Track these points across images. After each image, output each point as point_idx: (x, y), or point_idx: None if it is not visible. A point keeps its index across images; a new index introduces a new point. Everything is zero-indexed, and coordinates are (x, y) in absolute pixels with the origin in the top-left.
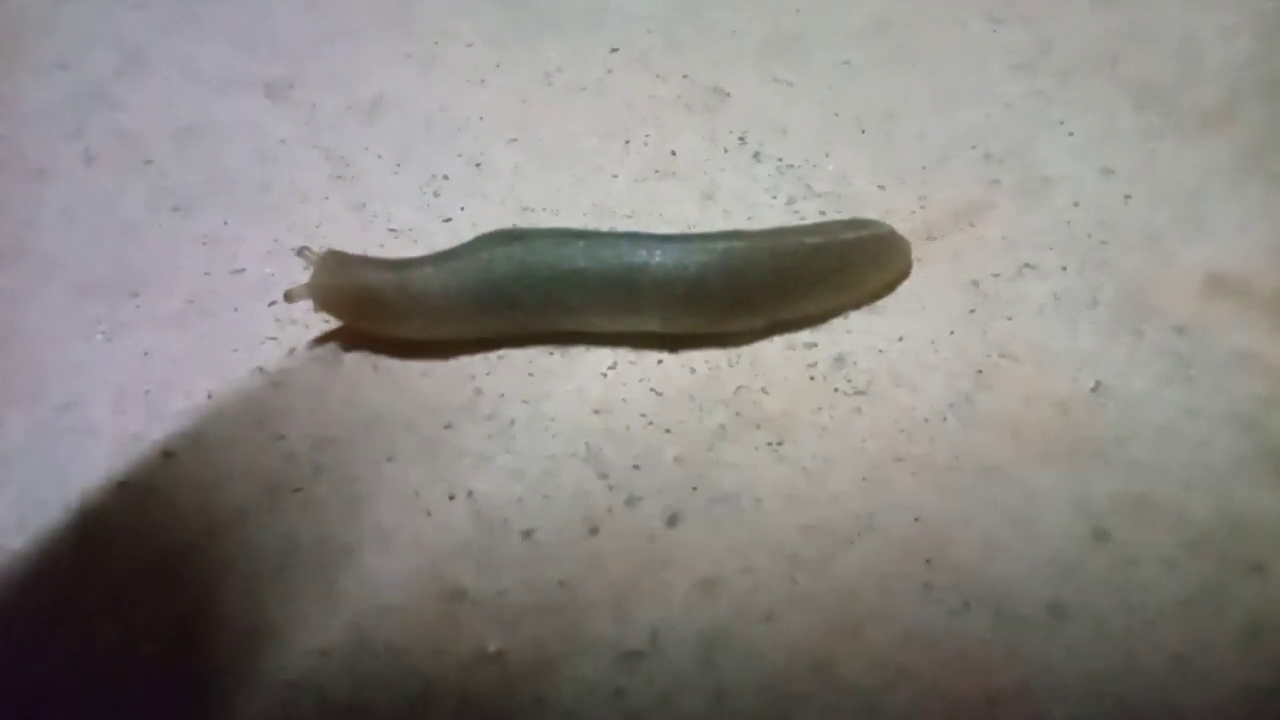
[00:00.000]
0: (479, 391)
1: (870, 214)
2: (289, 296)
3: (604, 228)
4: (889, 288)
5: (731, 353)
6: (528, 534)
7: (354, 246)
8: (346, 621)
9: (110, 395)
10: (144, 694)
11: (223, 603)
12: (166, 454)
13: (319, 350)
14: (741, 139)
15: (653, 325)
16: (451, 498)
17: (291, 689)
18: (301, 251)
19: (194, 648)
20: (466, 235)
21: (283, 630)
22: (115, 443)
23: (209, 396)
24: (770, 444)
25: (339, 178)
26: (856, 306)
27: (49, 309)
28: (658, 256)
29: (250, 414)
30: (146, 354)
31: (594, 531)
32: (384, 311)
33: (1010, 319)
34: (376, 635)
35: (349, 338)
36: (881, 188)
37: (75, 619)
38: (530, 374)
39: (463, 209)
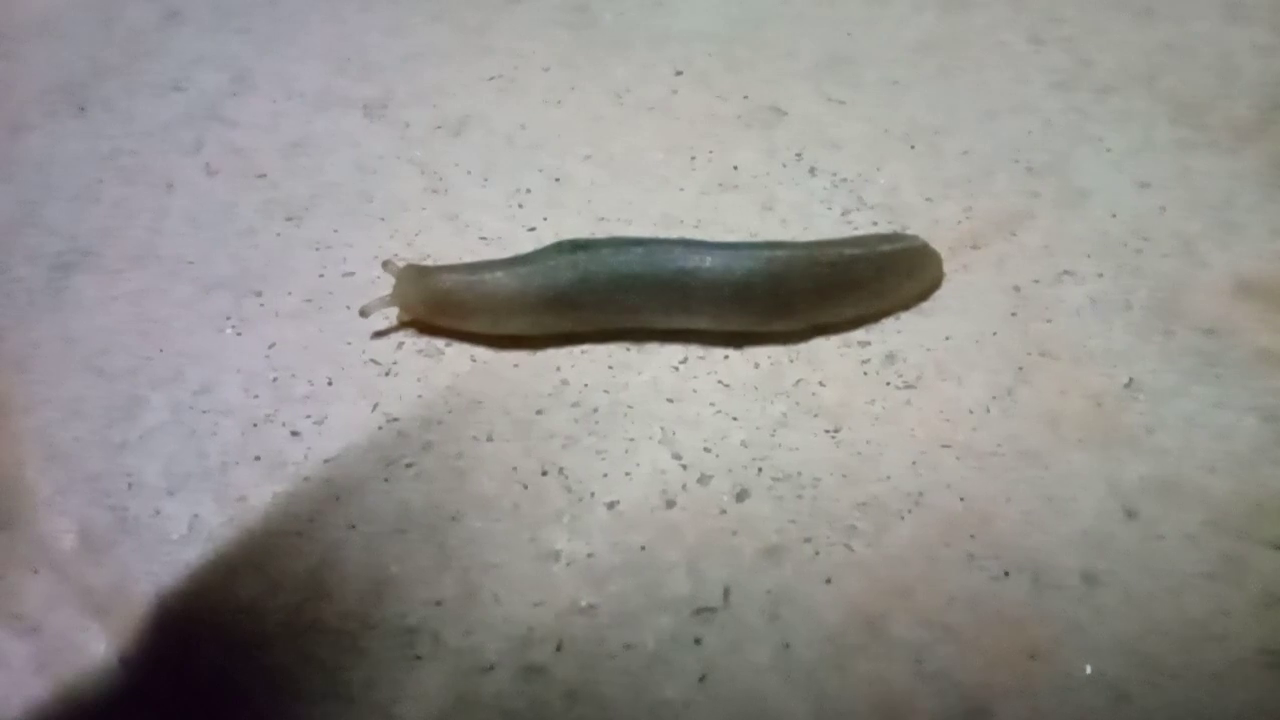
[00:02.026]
0: (565, 382)
1: (918, 224)
2: (364, 312)
3: (672, 235)
4: (922, 296)
5: (791, 350)
6: (612, 505)
7: (450, 253)
8: (456, 576)
9: (241, 381)
10: (283, 634)
11: (349, 559)
12: (293, 433)
13: (422, 343)
14: (798, 154)
15: (703, 323)
16: (544, 473)
17: (411, 633)
18: (385, 265)
19: (325, 596)
20: (549, 243)
21: (401, 583)
22: (247, 422)
23: (329, 383)
24: (827, 431)
25: (433, 191)
26: (891, 313)
27: (181, 305)
28: (708, 261)
29: (365, 398)
30: (272, 345)
31: (670, 504)
32: (458, 309)
33: (1049, 320)
34: (483, 588)
35: (449, 333)
36: (929, 199)
37: (221, 571)
38: (609, 367)
39: (545, 219)
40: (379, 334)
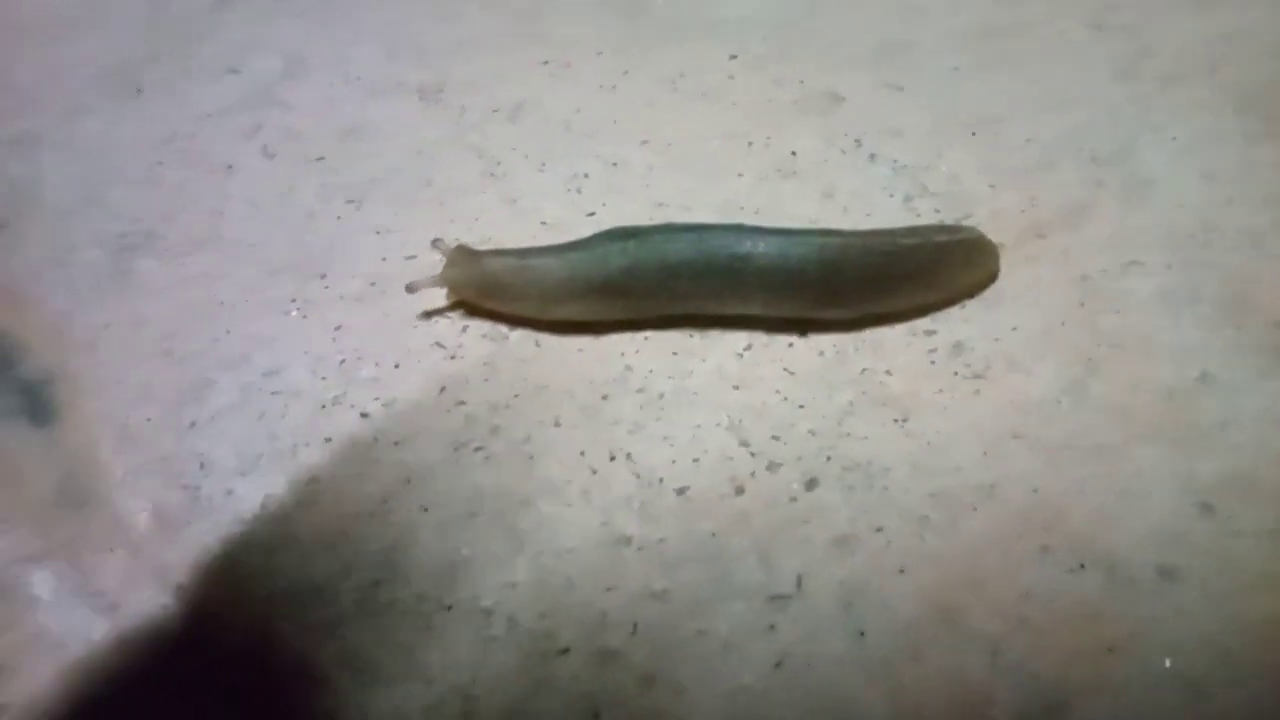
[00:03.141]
0: (629, 368)
1: (982, 212)
2: (411, 288)
3: (733, 221)
4: (978, 288)
5: (856, 338)
6: (681, 491)
7: (511, 238)
8: (529, 560)
9: (308, 363)
10: (356, 615)
11: (421, 541)
12: (363, 415)
13: (487, 328)
14: (857, 141)
15: (754, 309)
16: (612, 458)
17: (486, 614)
18: (435, 243)
19: (399, 577)
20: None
21: (474, 566)
22: (316, 404)
23: (396, 366)
24: (896, 420)
25: (491, 175)
26: (946, 305)
27: (245, 288)
28: (761, 248)
29: (433, 382)
30: (338, 328)
31: (740, 491)
32: (506, 293)
33: (1118, 312)
34: (556, 572)
35: (508, 318)
36: (992, 187)
37: (295, 552)
38: (674, 353)
39: (604, 205)
40: (428, 314)
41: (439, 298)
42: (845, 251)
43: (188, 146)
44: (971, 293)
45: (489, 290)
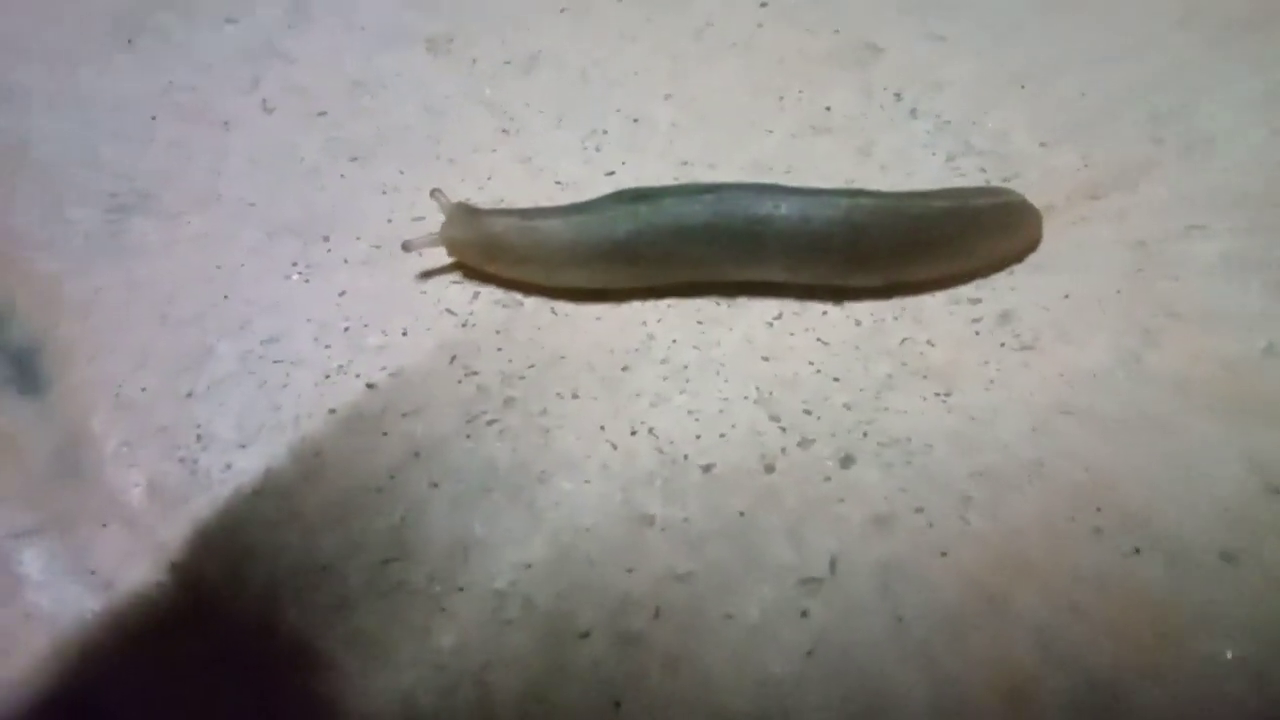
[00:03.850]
0: (651, 337)
1: (1032, 172)
2: (407, 247)
3: (763, 181)
4: (1017, 257)
5: (895, 305)
6: (707, 468)
7: (525, 198)
8: (547, 538)
9: (312, 330)
10: (364, 596)
11: (433, 518)
12: (369, 385)
13: (500, 294)
14: (897, 95)
15: (775, 275)
16: (633, 433)
17: (501, 596)
18: (434, 194)
19: (409, 556)
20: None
21: (489, 544)
22: (320, 373)
23: (404, 334)
24: (937, 394)
25: (504, 131)
26: (984, 273)
27: (246, 250)
28: (783, 209)
29: (443, 350)
30: (342, 294)
31: (770, 469)
32: (508, 255)
33: (1176, 279)
34: (575, 552)
35: (519, 284)
36: (1043, 145)
37: (299, 528)
38: (699, 321)
39: (624, 163)
40: (425, 275)
41: (438, 257)
42: (874, 214)
43: (184, 101)
44: (1011, 261)
45: (490, 252)
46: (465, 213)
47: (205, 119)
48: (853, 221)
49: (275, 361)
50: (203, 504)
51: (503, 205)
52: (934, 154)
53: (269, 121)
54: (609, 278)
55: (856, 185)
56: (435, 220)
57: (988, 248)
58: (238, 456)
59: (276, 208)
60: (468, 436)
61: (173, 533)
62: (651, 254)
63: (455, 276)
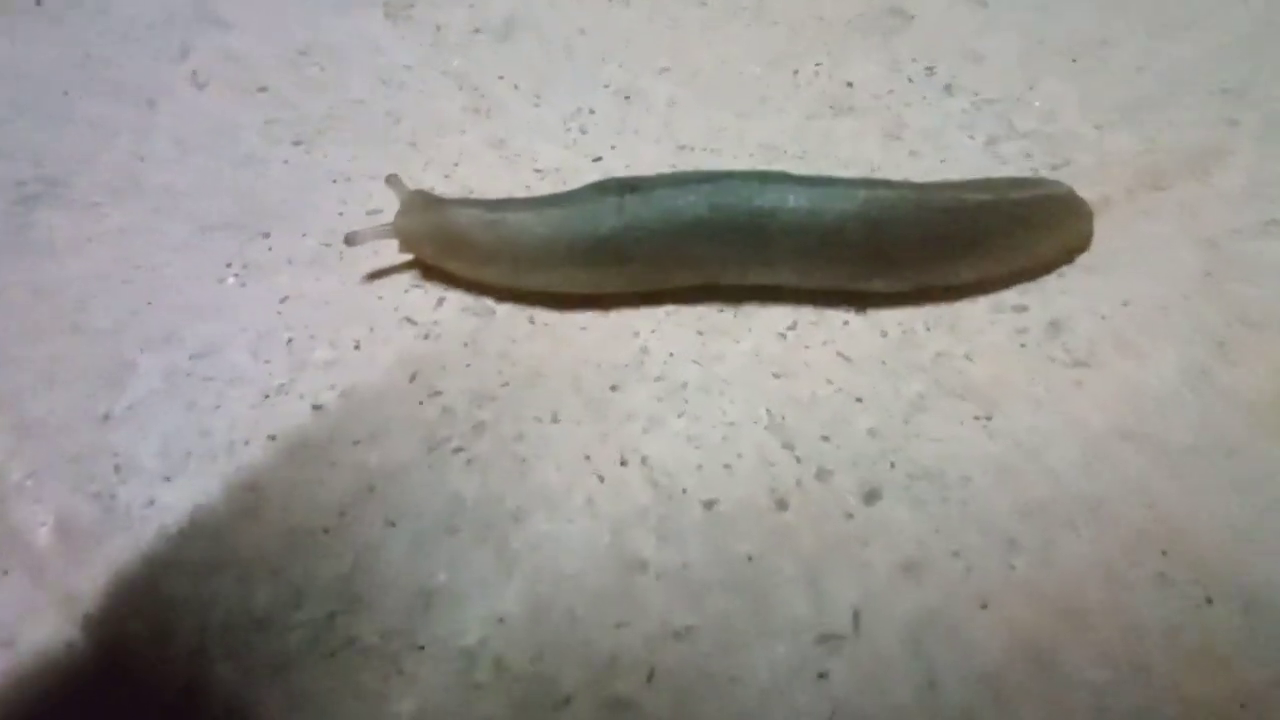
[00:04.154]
0: (645, 350)
1: (1085, 158)
2: (351, 240)
3: (775, 168)
4: (1065, 257)
5: (928, 314)
6: (710, 504)
7: (499, 187)
8: (522, 588)
9: (249, 342)
10: (308, 654)
11: (389, 563)
12: (316, 407)
13: (470, 300)
14: (929, 69)
15: (783, 278)
16: (623, 463)
17: (468, 655)
18: (389, 180)
19: (361, 608)
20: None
21: (454, 594)
22: (259, 393)
23: (356, 346)
24: (977, 417)
25: (475, 110)
26: (1031, 276)
27: (173, 248)
28: (791, 201)
29: (402, 366)
30: (284, 299)
31: (782, 505)
32: (472, 252)
33: (1253, 283)
34: (556, 603)
35: (501, 290)
36: (1098, 127)
37: (233, 575)
38: (699, 332)
39: (613, 148)
40: (376, 275)
41: (391, 254)
42: (895, 208)
43: (103, 74)
44: (1059, 262)
45: (450, 247)
46: (423, 201)
47: (126, 95)
48: (870, 216)
49: (206, 379)
50: (121, 546)
51: (472, 196)
52: (972, 137)
53: (200, 98)
54: (590, 281)
55: (881, 174)
56: (394, 212)
57: (1029, 248)
58: (162, 490)
59: (208, 199)
60: (430, 467)
61: (86, 581)
62: (640, 254)
63: (415, 279)
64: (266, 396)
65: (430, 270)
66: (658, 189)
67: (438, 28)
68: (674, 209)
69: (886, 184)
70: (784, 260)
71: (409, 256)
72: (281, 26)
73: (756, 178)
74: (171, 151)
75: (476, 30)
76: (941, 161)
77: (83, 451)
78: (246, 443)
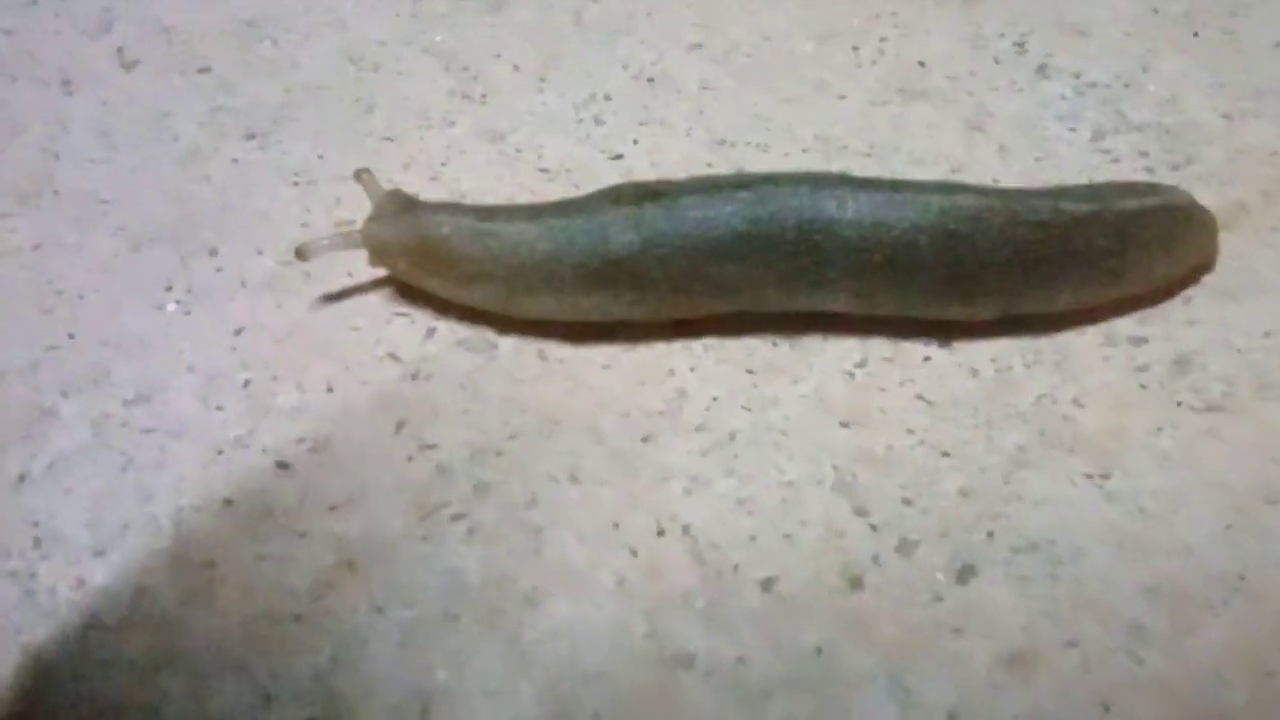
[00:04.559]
0: (682, 393)
1: (1213, 154)
2: (303, 252)
3: (833, 168)
4: (1185, 278)
5: (1026, 348)
6: (768, 584)
7: (498, 191)
8: (540, 688)
9: (197, 386)
10: None
11: (376, 657)
12: (280, 465)
13: (466, 331)
14: (1018, 45)
15: (840, 304)
16: (660, 532)
17: None
18: (358, 175)
19: (342, 713)
20: (645, 179)
21: (457, 696)
22: (210, 448)
23: (329, 390)
24: (1090, 475)
25: (464, 96)
26: (1149, 301)
27: (98, 267)
28: (850, 211)
29: (385, 414)
30: (239, 331)
31: (856, 584)
32: (455, 269)
33: None
34: (581, 708)
35: (503, 319)
36: (1227, 117)
37: (183, 675)
38: (749, 371)
39: (635, 142)
40: (332, 296)
41: (359, 268)
42: (980, 219)
43: (2, 49)
44: (1177, 285)
45: (430, 261)
46: (399, 204)
47: (34, 75)
48: (948, 229)
49: (145, 430)
50: (44, 639)
51: (464, 200)
52: (1073, 129)
53: (127, 81)
54: (598, 308)
55: (963, 175)
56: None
57: (1141, 270)
58: (93, 568)
59: (141, 206)
60: (424, 539)
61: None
62: (661, 277)
63: (399, 305)
64: (220, 452)
65: (415, 293)
66: (684, 197)
67: None
68: (704, 222)
69: (967, 190)
70: (840, 284)
71: (381, 272)
72: None
73: (807, 182)
74: (94, 147)
75: None
76: (1037, 160)
77: None
78: (197, 509)
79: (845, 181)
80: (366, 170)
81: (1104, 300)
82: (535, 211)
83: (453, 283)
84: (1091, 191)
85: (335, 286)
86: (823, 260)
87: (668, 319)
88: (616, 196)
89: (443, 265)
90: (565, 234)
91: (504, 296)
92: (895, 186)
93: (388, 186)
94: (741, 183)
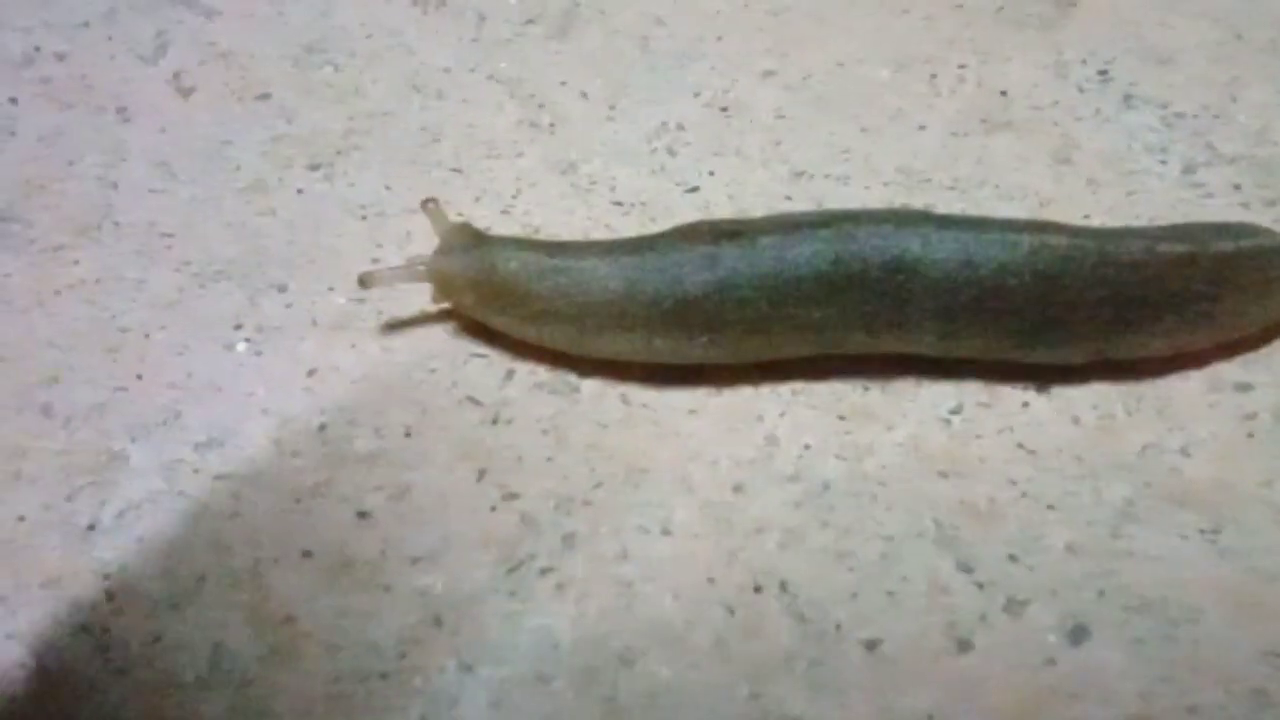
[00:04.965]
0: (772, 440)
1: None
2: (367, 280)
3: (916, 202)
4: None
5: (1128, 393)
6: (872, 645)
7: (570, 225)
8: None
9: (271, 428)
10: None
11: (465, 718)
12: (361, 514)
13: (545, 374)
14: (1102, 73)
15: (924, 346)
16: (758, 588)
17: None
18: (425, 205)
19: None
20: (721, 214)
21: None
22: (288, 495)
23: (406, 434)
24: (1202, 530)
25: (532, 125)
26: (1243, 347)
27: (163, 304)
28: (936, 249)
29: (466, 461)
30: (312, 372)
31: (965, 646)
32: (523, 306)
33: None
34: None
35: (583, 361)
36: None
37: None
38: (840, 416)
39: (711, 174)
40: (406, 336)
41: (428, 305)
42: (1070, 259)
43: (57, 75)
44: (1273, 329)
45: (497, 298)
46: (467, 237)
47: (89, 102)
48: (1038, 270)
49: (218, 477)
50: (119, 697)
51: (538, 235)
52: (1164, 162)
53: (185, 108)
54: (672, 350)
55: (1053, 208)
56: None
57: (1236, 315)
58: (170, 623)
59: (204, 239)
60: (511, 594)
61: None
62: (738, 318)
63: (475, 345)
64: (298, 500)
65: (491, 332)
66: (762, 236)
67: (481, 18)
68: (784, 262)
69: (1057, 228)
70: (925, 326)
71: (443, 306)
72: (284, 16)
73: (890, 220)
74: (153, 177)
75: (529, 22)
76: (1128, 194)
77: (63, 573)
78: (275, 561)
79: (929, 219)
80: (433, 200)
81: (1196, 346)
82: (607, 248)
83: (520, 320)
84: (1185, 232)
85: (409, 326)
86: (907, 301)
87: (744, 361)
88: (692, 234)
89: (510, 302)
90: (638, 272)
91: (573, 336)
92: (982, 224)
93: (458, 220)
94: (821, 221)
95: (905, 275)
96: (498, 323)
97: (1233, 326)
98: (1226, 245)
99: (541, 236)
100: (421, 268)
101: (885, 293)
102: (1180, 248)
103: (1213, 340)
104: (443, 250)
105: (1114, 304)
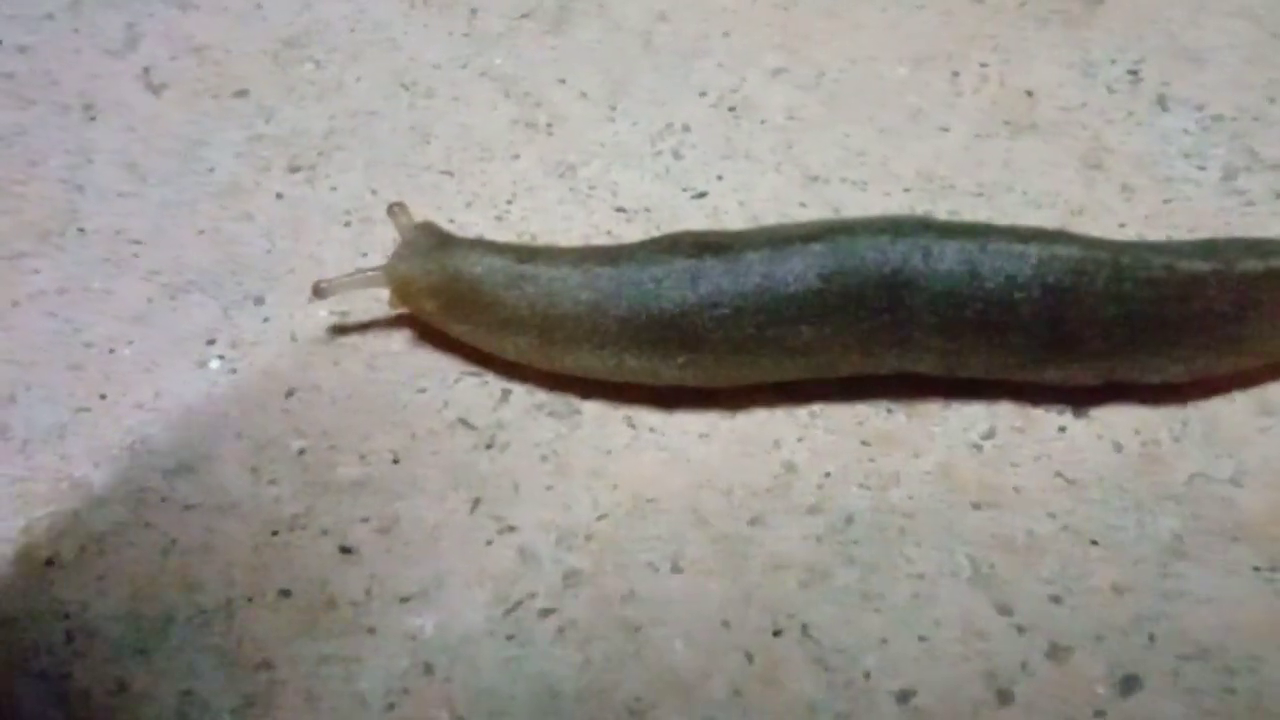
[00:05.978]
0: (790, 467)
1: None
2: (321, 290)
3: (939, 211)
4: None
5: (1172, 417)
6: (904, 697)
7: (570, 233)
8: None
9: (246, 455)
10: None
11: None
12: (344, 550)
13: (544, 395)
14: (1132, 73)
15: (925, 365)
16: (777, 632)
17: None
18: (392, 210)
19: None
20: (732, 221)
21: None
22: (264, 527)
23: (394, 460)
24: (1257, 568)
25: (528, 125)
26: (1276, 375)
27: (130, 317)
28: (938, 262)
29: (459, 489)
30: (291, 393)
31: (1005, 698)
32: (486, 315)
33: None
34: None
35: (586, 384)
36: None
37: None
38: (863, 442)
39: (719, 178)
40: (394, 353)
41: (371, 305)
42: (1083, 274)
43: (20, 70)
44: None
45: (459, 305)
46: (429, 238)
47: (53, 99)
48: (1047, 284)
49: (188, 507)
50: None
51: (539, 243)
52: (1202, 168)
53: (156, 105)
54: (645, 369)
55: (1085, 218)
56: None
57: (1263, 337)
58: (134, 670)
59: (176, 247)
60: (509, 637)
61: None
62: (719, 339)
63: (468, 364)
64: (275, 533)
65: (428, 329)
66: (748, 252)
67: (473, 11)
68: (772, 279)
69: (1069, 239)
70: (926, 344)
71: (399, 311)
72: (263, 7)
73: (887, 231)
74: (121, 180)
75: (524, 16)
76: (1165, 202)
77: (18, 613)
78: (250, 600)
79: (930, 228)
80: (400, 204)
81: (1219, 372)
82: (580, 256)
83: (484, 330)
84: (1210, 248)
85: (397, 342)
86: (907, 318)
87: (725, 385)
88: (672, 247)
89: (473, 309)
90: (611, 284)
91: (538, 348)
92: (987, 234)
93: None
94: (813, 234)
95: (905, 290)
96: (458, 331)
97: (1260, 352)
98: (1254, 265)
99: (538, 241)
100: (376, 273)
101: (883, 309)
102: (1203, 265)
103: (1237, 366)
104: (400, 255)
105: (1129, 323)
